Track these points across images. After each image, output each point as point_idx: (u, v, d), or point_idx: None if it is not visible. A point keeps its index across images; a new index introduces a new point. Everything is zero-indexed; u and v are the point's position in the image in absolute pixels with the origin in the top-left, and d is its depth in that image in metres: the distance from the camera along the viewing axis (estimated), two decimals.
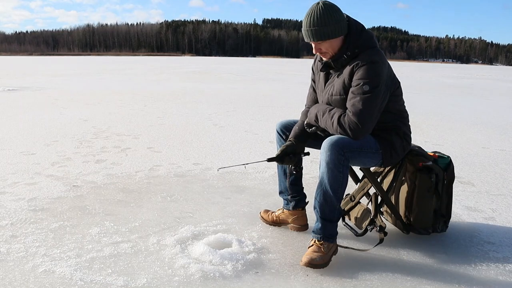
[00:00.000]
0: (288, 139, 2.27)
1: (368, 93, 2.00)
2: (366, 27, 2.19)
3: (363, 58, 2.05)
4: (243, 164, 2.35)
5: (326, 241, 2.07)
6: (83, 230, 2.41)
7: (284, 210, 2.50)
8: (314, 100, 2.38)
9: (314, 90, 2.38)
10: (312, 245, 2.09)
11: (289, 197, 2.47)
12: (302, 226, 2.46)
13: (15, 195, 2.97)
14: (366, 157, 2.11)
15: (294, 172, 2.29)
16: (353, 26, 2.12)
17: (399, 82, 2.20)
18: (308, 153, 2.30)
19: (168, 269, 2.01)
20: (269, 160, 2.21)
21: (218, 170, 2.54)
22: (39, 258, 2.08)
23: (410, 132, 2.27)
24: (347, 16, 2.15)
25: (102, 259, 2.09)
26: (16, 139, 4.85)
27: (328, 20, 2.04)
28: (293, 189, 2.45)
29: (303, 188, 2.49)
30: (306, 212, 2.49)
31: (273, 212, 2.56)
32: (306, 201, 2.49)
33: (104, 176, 3.45)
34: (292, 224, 2.47)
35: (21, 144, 4.58)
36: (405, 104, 2.27)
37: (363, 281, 1.95)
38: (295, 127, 2.30)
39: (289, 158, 2.20)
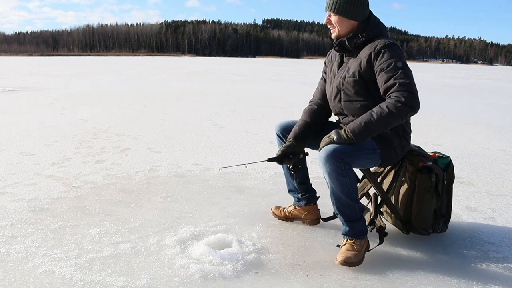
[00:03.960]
0: (288, 140, 2.27)
1: (403, 68, 2.00)
2: None
3: (381, 42, 2.07)
4: (244, 164, 2.37)
5: (357, 238, 2.10)
6: (83, 231, 2.41)
7: (296, 206, 2.54)
8: (322, 92, 2.40)
9: (324, 80, 2.40)
10: (345, 243, 2.11)
11: (299, 195, 2.51)
12: (315, 220, 2.52)
13: (15, 195, 2.97)
14: (364, 159, 2.11)
15: (292, 172, 2.30)
16: (372, 16, 2.19)
17: None
18: (307, 154, 2.31)
19: (168, 270, 2.01)
20: (270, 160, 2.23)
21: (219, 170, 2.57)
22: (39, 258, 2.08)
23: (411, 131, 2.26)
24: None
25: (102, 259, 2.09)
26: (16, 139, 4.85)
27: (353, 1, 2.10)
28: (301, 188, 2.50)
29: (311, 184, 2.53)
30: (318, 206, 2.55)
31: (284, 208, 2.59)
32: (318, 195, 2.54)
33: (104, 177, 3.45)
34: (305, 219, 2.53)
35: (21, 145, 4.57)
36: None
37: (363, 281, 1.95)
38: (295, 128, 2.31)
39: (288, 158, 2.22)
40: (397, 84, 1.97)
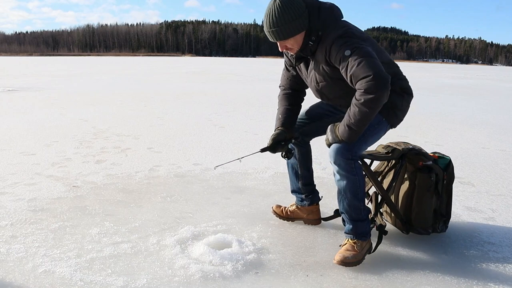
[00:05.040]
0: (276, 128, 2.28)
1: (352, 54, 1.87)
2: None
3: (327, 41, 1.95)
4: (238, 159, 2.37)
5: (359, 239, 2.10)
6: (83, 231, 2.42)
7: (299, 206, 2.54)
8: (289, 82, 2.34)
9: (287, 69, 2.33)
10: (346, 243, 2.12)
11: (303, 196, 2.51)
12: (317, 220, 2.53)
13: (15, 195, 2.97)
14: (373, 135, 2.09)
15: (286, 158, 2.31)
16: (310, 9, 2.00)
17: (372, 39, 2.10)
18: (298, 138, 2.31)
19: (168, 270, 2.01)
20: (262, 150, 2.24)
21: (214, 169, 2.57)
22: (39, 258, 2.08)
23: (407, 81, 2.16)
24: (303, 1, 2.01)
25: (102, 259, 2.09)
26: (16, 139, 4.85)
27: (288, 18, 1.93)
28: (306, 189, 2.50)
29: (315, 185, 2.54)
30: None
31: (286, 207, 2.59)
32: (320, 196, 2.55)
33: (104, 177, 3.45)
34: (307, 219, 2.53)
35: (21, 145, 4.58)
36: (392, 60, 2.15)
37: (363, 281, 1.95)
38: (278, 116, 2.31)
39: (281, 146, 2.23)
40: (353, 76, 1.87)
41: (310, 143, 2.49)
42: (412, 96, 2.20)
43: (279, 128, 2.26)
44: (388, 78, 1.85)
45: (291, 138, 2.25)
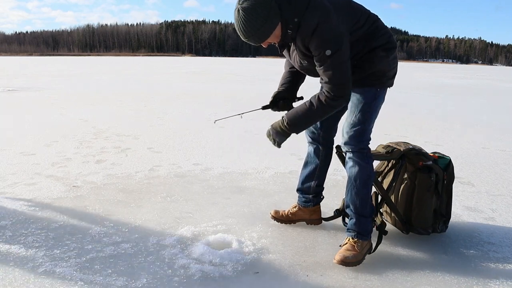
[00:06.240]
0: (278, 88, 2.28)
1: (332, 55, 1.86)
2: None
3: (306, 28, 1.87)
4: (239, 114, 2.37)
5: (360, 238, 2.11)
6: (83, 231, 2.42)
7: (301, 207, 2.53)
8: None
9: None
10: (346, 243, 2.12)
11: (310, 196, 2.50)
12: (318, 220, 2.54)
13: (15, 195, 2.97)
14: (376, 108, 2.09)
15: None
16: (280, 4, 1.87)
17: (358, 9, 2.05)
18: (302, 98, 2.29)
19: (168, 269, 2.01)
20: (264, 107, 2.27)
21: (214, 122, 2.59)
22: (39, 258, 2.08)
23: (389, 34, 2.11)
24: None
25: (102, 259, 2.09)
26: (16, 139, 4.85)
27: (258, 23, 1.83)
28: (316, 190, 2.50)
29: (324, 188, 2.55)
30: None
31: (285, 210, 2.57)
32: (322, 196, 2.55)
33: (104, 177, 3.45)
34: (310, 219, 2.53)
35: (21, 145, 4.57)
36: (370, 16, 2.08)
37: (363, 281, 1.95)
38: (280, 80, 2.32)
39: (282, 103, 2.24)
40: (326, 79, 1.91)
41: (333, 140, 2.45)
42: (396, 46, 2.14)
43: (280, 88, 2.27)
44: (349, 95, 1.97)
45: (291, 98, 2.25)
